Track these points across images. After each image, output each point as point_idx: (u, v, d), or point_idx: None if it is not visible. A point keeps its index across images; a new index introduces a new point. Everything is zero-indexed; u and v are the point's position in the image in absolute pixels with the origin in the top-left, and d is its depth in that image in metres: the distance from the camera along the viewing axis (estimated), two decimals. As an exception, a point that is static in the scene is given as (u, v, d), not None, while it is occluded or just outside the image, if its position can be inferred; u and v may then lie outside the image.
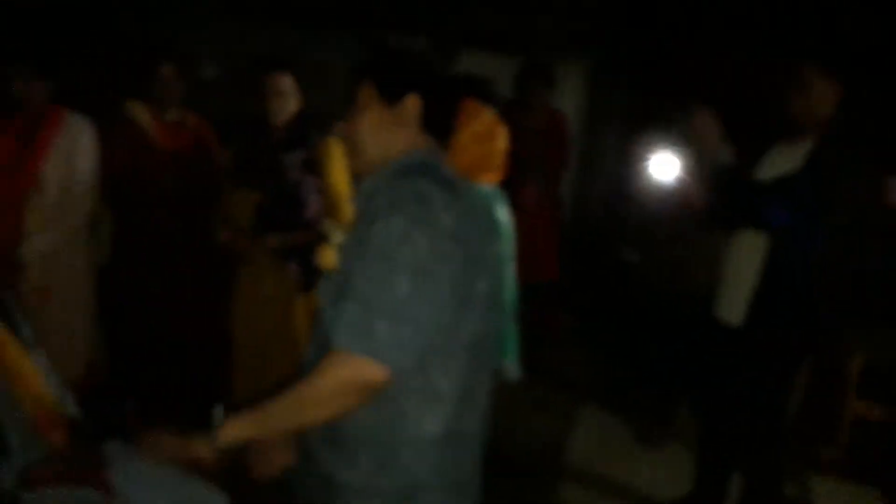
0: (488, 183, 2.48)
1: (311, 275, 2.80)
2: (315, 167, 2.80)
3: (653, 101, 4.38)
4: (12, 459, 1.84)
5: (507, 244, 2.48)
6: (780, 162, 2.61)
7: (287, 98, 2.72)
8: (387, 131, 1.45)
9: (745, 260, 2.64)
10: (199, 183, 3.00)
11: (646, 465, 3.53)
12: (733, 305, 2.66)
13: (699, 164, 2.66)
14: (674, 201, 3.17)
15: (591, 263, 5.23)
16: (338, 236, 2.87)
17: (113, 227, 3.06)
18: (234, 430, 1.40)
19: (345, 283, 1.31)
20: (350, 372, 1.25)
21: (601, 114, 5.69)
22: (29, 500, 1.80)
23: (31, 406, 1.92)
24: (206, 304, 3.09)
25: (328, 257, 2.89)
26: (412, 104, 1.44)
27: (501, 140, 2.47)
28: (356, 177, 1.58)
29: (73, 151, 2.76)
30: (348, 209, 2.86)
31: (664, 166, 2.87)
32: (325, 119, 2.95)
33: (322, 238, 2.80)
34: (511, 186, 2.68)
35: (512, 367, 2.65)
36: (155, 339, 3.08)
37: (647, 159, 3.04)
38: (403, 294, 1.25)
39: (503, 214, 2.50)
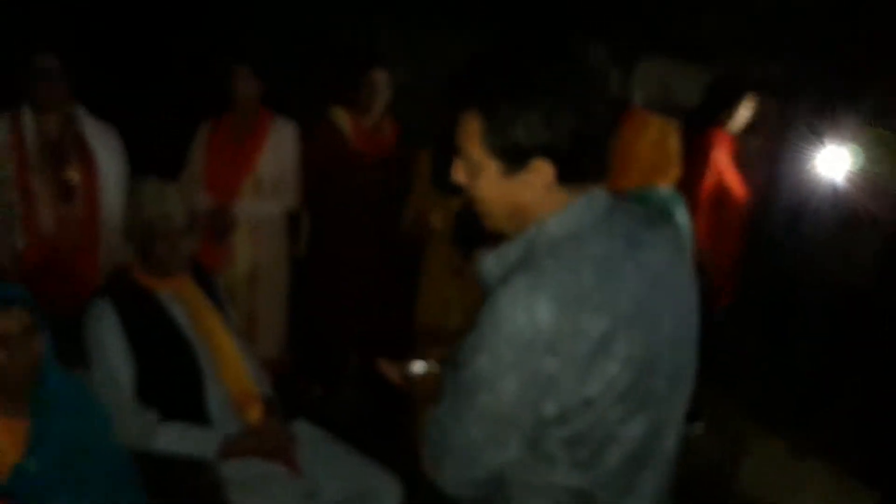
0: (665, 186, 2.38)
1: None
2: None
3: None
4: (212, 430, 1.99)
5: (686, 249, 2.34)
6: None
7: None
8: (514, 199, 1.15)
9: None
10: (392, 186, 3.12)
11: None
12: None
13: None
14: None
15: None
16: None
17: (310, 225, 3.27)
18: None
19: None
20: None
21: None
22: (224, 470, 1.94)
23: (231, 383, 2.06)
24: (392, 300, 3.21)
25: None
26: (540, 169, 1.09)
27: (674, 140, 2.39)
28: None
29: (282, 149, 3.02)
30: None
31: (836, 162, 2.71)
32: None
33: None
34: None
35: None
36: (345, 330, 3.23)
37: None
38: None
39: (682, 217, 2.38)
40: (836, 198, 3.17)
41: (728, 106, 3.18)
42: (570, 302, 1.04)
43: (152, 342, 1.94)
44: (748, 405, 3.67)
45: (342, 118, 3.04)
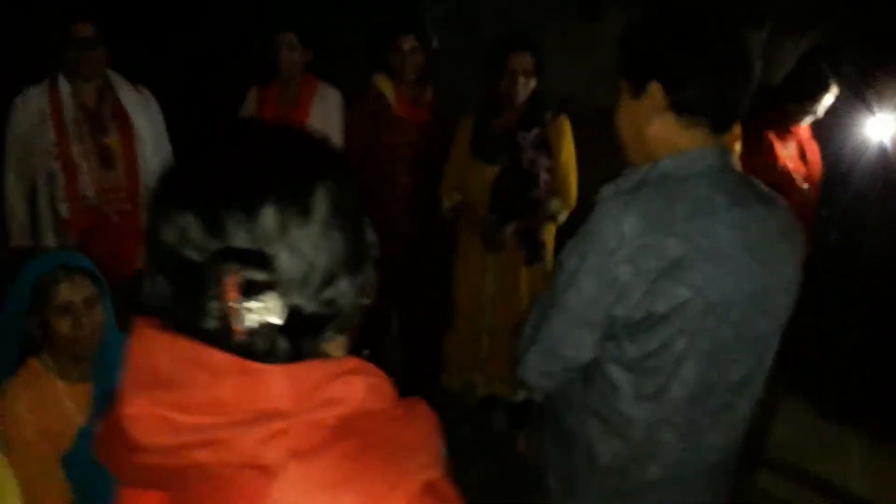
0: None
1: (535, 250, 2.83)
2: (547, 146, 2.79)
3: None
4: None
5: None
6: None
7: (529, 77, 2.72)
8: (639, 127, 1.25)
9: None
10: (433, 154, 3.10)
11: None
12: None
13: None
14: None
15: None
16: (563, 216, 2.88)
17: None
18: None
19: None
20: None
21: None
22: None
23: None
24: (430, 265, 3.23)
25: (552, 235, 2.91)
26: (655, 92, 1.21)
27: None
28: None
29: (327, 115, 3.03)
30: (575, 189, 2.86)
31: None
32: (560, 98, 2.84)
33: (549, 216, 2.85)
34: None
35: None
36: (386, 293, 3.22)
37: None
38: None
39: None
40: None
41: (813, 97, 2.72)
42: (657, 223, 1.15)
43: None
44: (779, 369, 3.59)
45: (385, 85, 3.02)
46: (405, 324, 3.36)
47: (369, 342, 3.38)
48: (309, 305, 0.66)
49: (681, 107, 1.20)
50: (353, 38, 4.13)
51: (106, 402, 1.63)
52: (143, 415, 0.61)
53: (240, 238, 0.63)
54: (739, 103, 1.22)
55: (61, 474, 1.58)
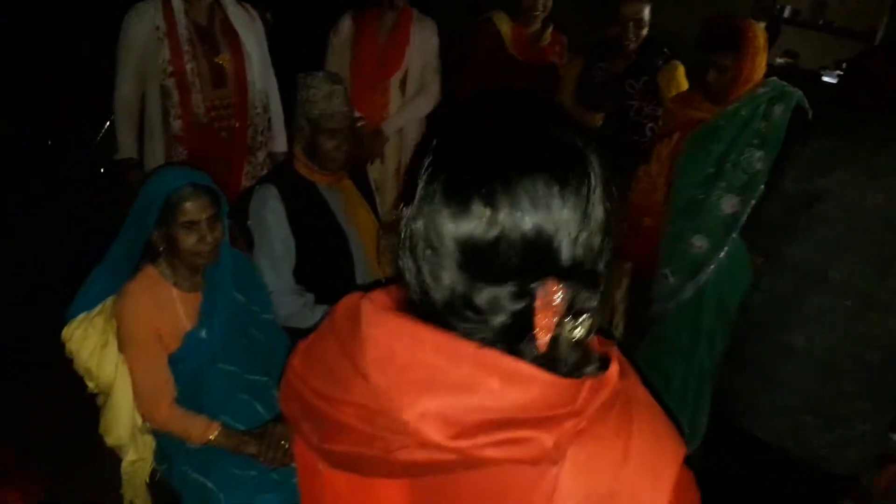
0: None
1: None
2: (657, 94, 2.72)
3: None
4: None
5: None
6: None
7: (643, 26, 2.67)
8: None
9: None
10: (543, 94, 3.03)
11: None
12: None
13: None
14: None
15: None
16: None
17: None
18: None
19: None
20: None
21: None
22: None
23: (377, 271, 2.14)
24: None
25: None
26: None
27: None
28: None
29: (426, 45, 3.01)
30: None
31: None
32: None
33: None
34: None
35: None
36: None
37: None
38: None
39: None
40: None
41: None
42: None
43: (312, 229, 2.04)
44: None
45: (503, 22, 2.97)
46: None
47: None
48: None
49: None
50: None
51: (212, 311, 1.74)
52: (425, 418, 0.61)
53: (563, 252, 0.62)
54: None
55: (168, 372, 1.71)
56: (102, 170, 3.96)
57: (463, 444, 0.60)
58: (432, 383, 0.62)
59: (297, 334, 1.96)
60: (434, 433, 0.60)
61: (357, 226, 2.14)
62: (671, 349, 2.31)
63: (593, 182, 0.63)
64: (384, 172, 3.01)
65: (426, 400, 0.61)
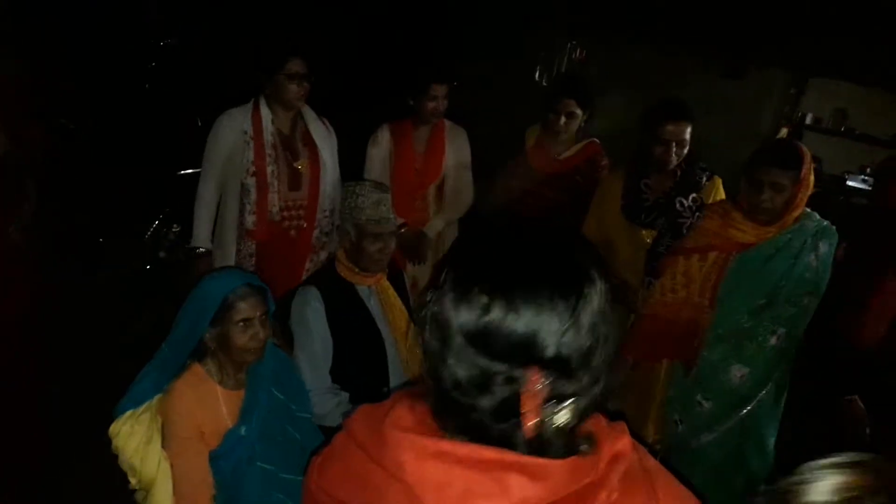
0: None
1: None
2: (703, 209, 2.63)
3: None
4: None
5: None
6: None
7: (685, 146, 2.63)
8: None
9: None
10: (572, 207, 3.06)
11: None
12: None
13: None
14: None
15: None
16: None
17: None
18: None
19: None
20: None
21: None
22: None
23: (411, 373, 2.19)
24: None
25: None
26: None
27: None
28: None
29: (458, 153, 3.19)
30: None
31: None
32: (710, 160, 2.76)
33: None
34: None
35: None
36: None
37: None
38: None
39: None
40: None
41: None
42: None
43: (349, 329, 2.12)
44: None
45: (531, 135, 3.09)
46: None
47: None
48: (588, 403, 0.76)
49: None
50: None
51: (253, 408, 1.79)
52: None
53: (546, 344, 0.72)
54: None
55: (208, 470, 1.74)
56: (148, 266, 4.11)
57: None
58: (470, 494, 0.70)
59: (331, 433, 2.00)
60: None
61: (391, 324, 2.21)
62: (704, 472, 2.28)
63: (589, 296, 0.73)
64: (422, 271, 3.11)
65: None
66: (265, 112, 2.67)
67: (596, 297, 0.74)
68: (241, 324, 1.71)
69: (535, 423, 0.71)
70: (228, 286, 1.72)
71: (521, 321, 0.70)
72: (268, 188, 2.64)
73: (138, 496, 1.78)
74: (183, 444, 1.70)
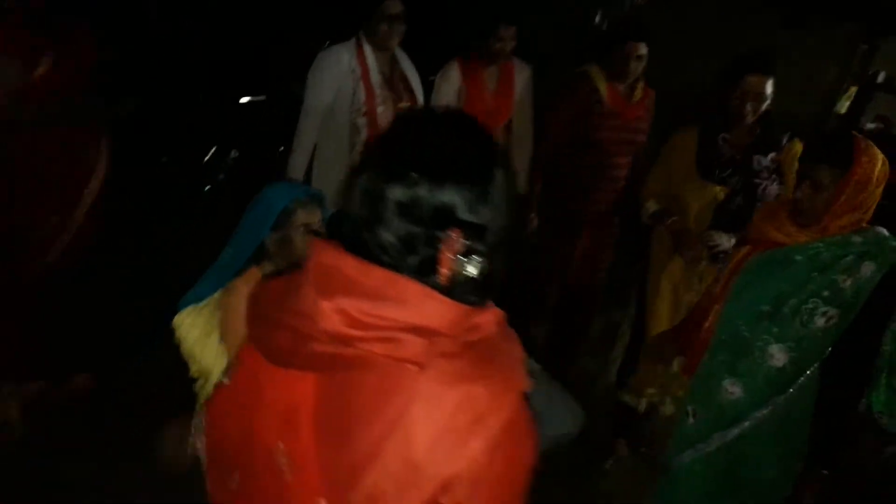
0: None
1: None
2: (780, 172, 2.58)
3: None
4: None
5: None
6: None
7: (763, 101, 2.52)
8: None
9: None
10: (634, 152, 3.15)
11: None
12: None
13: None
14: None
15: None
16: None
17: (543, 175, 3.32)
18: None
19: None
20: None
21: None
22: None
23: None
24: (600, 260, 3.34)
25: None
26: None
27: None
28: None
29: (525, 94, 3.26)
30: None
31: None
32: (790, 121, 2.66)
33: None
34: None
35: None
36: (552, 277, 3.42)
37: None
38: None
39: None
40: None
41: None
42: None
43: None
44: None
45: (599, 79, 3.05)
46: (561, 305, 3.47)
47: (525, 319, 3.57)
48: (493, 264, 0.91)
49: None
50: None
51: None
52: (336, 310, 0.83)
53: (464, 211, 0.87)
54: None
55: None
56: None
57: (356, 333, 0.82)
58: (349, 289, 0.84)
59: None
60: (338, 322, 0.82)
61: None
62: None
63: (497, 178, 0.89)
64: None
65: (340, 298, 0.83)
66: (368, 51, 2.73)
67: (502, 179, 0.90)
68: (302, 228, 1.82)
69: (449, 273, 0.87)
70: (290, 194, 1.83)
71: (445, 194, 0.85)
72: (377, 128, 2.71)
73: (197, 385, 1.91)
74: (236, 338, 1.81)
